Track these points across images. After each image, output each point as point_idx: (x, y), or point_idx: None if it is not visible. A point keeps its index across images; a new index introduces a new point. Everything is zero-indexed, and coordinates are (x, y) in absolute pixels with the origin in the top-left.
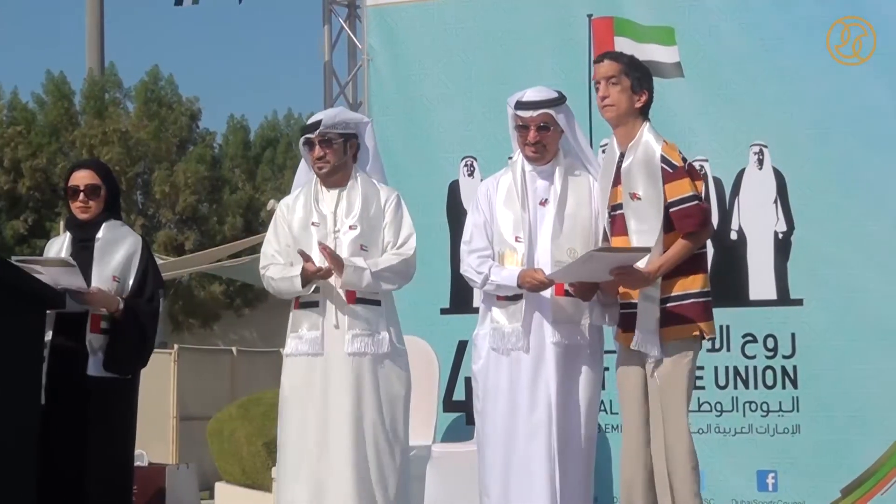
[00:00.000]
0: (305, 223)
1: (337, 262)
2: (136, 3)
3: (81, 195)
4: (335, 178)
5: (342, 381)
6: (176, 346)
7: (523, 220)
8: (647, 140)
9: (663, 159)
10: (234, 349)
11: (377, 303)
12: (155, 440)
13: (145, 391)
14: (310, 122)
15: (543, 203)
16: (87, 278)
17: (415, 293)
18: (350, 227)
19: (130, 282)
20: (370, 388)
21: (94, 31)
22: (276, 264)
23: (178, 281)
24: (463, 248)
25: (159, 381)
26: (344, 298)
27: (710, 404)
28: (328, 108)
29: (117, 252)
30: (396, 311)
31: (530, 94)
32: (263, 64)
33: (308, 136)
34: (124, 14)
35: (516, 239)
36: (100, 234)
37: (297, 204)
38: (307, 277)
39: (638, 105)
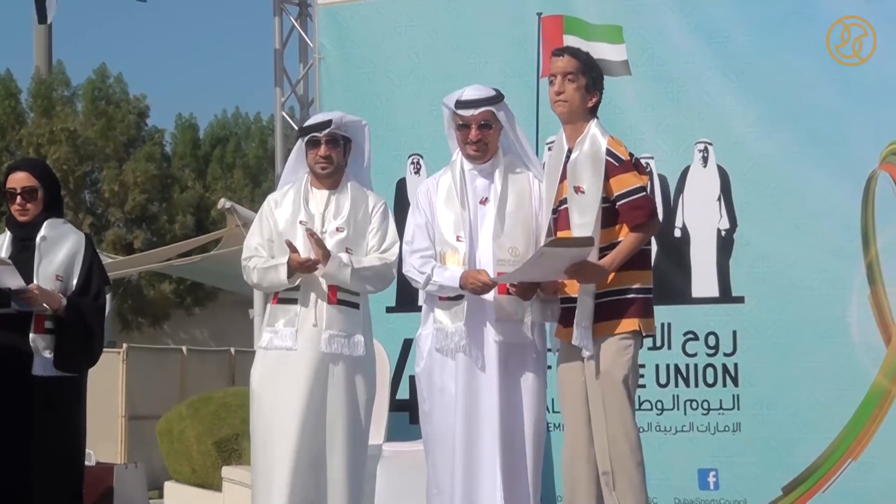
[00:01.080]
0: (293, 220)
1: (323, 251)
2: (83, 1)
3: (18, 198)
4: (330, 179)
5: (312, 378)
6: (125, 346)
7: (464, 220)
8: (594, 134)
9: (609, 153)
10: (183, 348)
11: (356, 306)
12: (103, 439)
13: (93, 390)
14: (315, 121)
15: (484, 202)
16: (29, 278)
17: None
18: (337, 229)
19: (74, 280)
20: (340, 390)
21: (42, 29)
22: (259, 256)
23: (127, 280)
24: (405, 248)
25: (107, 381)
26: (325, 298)
27: (650, 402)
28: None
29: (60, 250)
30: (371, 318)
31: (470, 93)
32: (212, 63)
33: (315, 134)
34: (72, 12)
35: (457, 238)
36: (42, 233)
37: (285, 200)
38: (293, 268)
39: (589, 105)
